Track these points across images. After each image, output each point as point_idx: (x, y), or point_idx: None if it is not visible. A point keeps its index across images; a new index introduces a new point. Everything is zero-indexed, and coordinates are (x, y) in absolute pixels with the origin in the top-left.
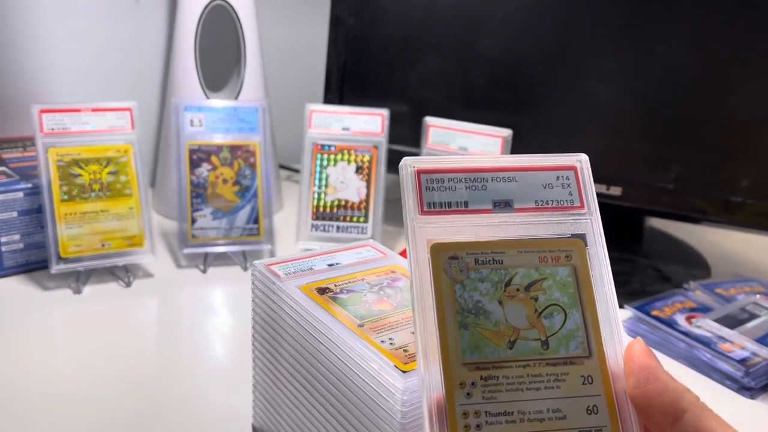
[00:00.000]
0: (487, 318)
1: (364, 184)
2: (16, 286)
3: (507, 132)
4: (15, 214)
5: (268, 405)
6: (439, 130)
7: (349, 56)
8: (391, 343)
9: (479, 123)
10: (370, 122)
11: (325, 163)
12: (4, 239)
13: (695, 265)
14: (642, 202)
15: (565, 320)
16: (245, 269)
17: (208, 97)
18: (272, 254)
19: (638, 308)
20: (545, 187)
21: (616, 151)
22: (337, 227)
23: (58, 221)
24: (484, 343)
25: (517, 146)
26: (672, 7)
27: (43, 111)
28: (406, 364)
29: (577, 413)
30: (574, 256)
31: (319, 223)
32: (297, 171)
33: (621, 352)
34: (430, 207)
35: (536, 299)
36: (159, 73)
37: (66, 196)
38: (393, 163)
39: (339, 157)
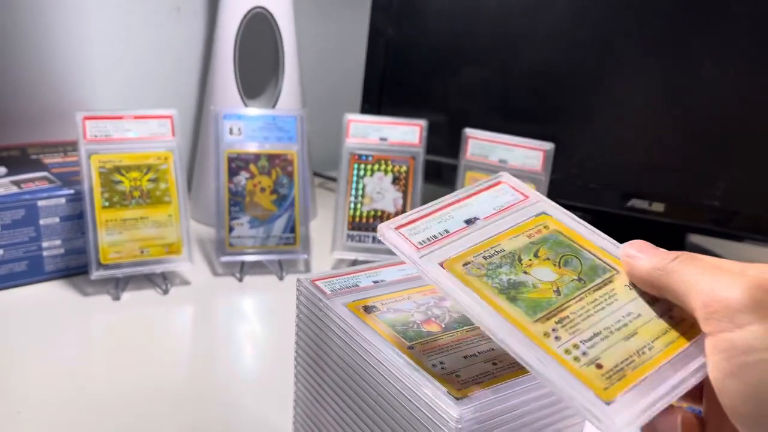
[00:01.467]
0: (525, 285)
1: (400, 195)
2: (56, 291)
3: (549, 145)
4: (57, 219)
5: (310, 421)
6: (479, 142)
7: (388, 66)
8: (442, 368)
9: (519, 135)
10: (408, 133)
11: (362, 173)
12: (45, 244)
13: None
14: (686, 219)
15: (580, 261)
16: (281, 278)
17: (246, 105)
18: (308, 264)
19: None
20: (493, 200)
21: (659, 167)
22: (373, 238)
23: (99, 228)
24: (536, 302)
25: (557, 160)
26: (720, 21)
27: (86, 118)
28: (459, 390)
29: (644, 309)
30: (549, 225)
31: (355, 233)
32: (331, 179)
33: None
34: (421, 244)
35: (549, 259)
36: (197, 80)
37: (107, 203)
38: (430, 174)
39: (376, 167)
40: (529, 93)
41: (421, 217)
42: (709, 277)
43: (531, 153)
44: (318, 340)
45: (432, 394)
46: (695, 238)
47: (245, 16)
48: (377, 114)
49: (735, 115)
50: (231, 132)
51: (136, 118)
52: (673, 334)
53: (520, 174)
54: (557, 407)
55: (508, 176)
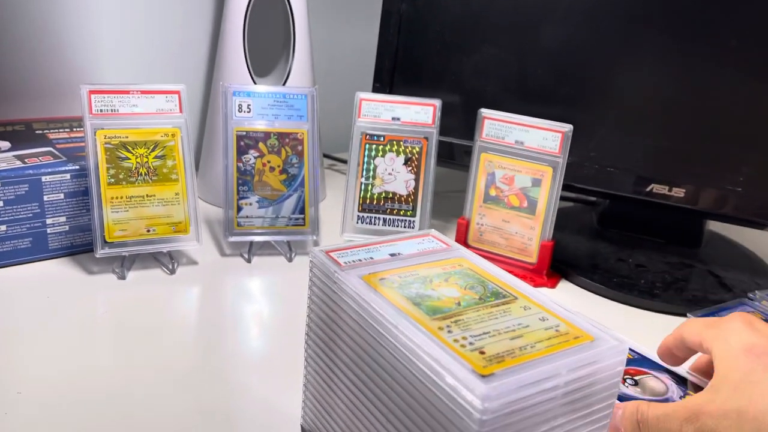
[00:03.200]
0: (431, 297)
1: (412, 176)
2: (60, 269)
3: (568, 127)
4: (62, 195)
5: (320, 405)
6: (495, 122)
7: (401, 44)
8: (467, 342)
9: (535, 117)
10: (421, 113)
11: (373, 153)
12: (50, 221)
13: (759, 273)
14: (707, 205)
15: (485, 288)
16: (290, 260)
17: (255, 83)
18: (317, 245)
19: (704, 317)
20: (418, 245)
21: (680, 151)
22: (384, 220)
23: (104, 205)
24: (437, 308)
25: (576, 142)
26: (745, 2)
27: (92, 92)
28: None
29: (534, 323)
30: (464, 264)
31: (366, 215)
32: (340, 160)
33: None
34: (347, 264)
35: (457, 284)
36: (205, 56)
37: (113, 180)
38: (443, 155)
39: (388, 147)
40: (546, 73)
41: (352, 248)
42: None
43: (549, 134)
44: (332, 313)
45: (456, 370)
46: (713, 225)
47: None
48: (389, 93)
49: (758, 98)
50: (240, 109)
51: (143, 93)
52: (556, 340)
53: (537, 156)
54: (587, 381)
55: (435, 231)
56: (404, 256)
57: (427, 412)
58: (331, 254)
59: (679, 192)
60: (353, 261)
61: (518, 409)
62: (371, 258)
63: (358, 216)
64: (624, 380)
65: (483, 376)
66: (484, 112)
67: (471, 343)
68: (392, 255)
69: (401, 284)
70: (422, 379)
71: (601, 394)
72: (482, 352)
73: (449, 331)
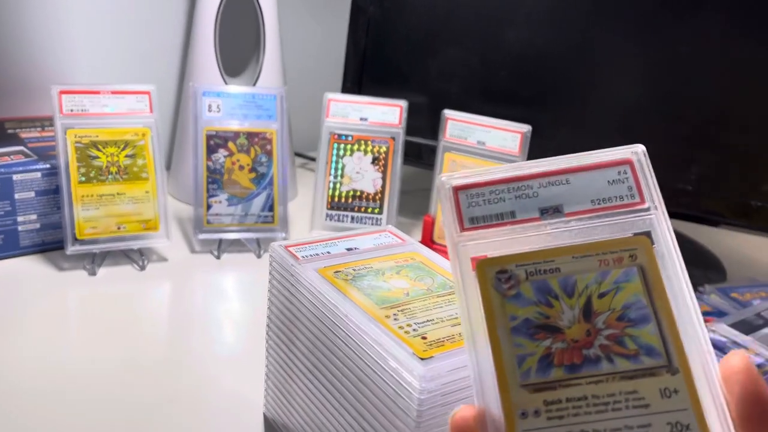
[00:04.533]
0: (381, 288)
1: (380, 175)
2: (31, 266)
3: (526, 128)
4: (32, 194)
5: (280, 393)
6: (457, 123)
7: (369, 45)
8: (411, 329)
9: (499, 118)
10: (388, 113)
11: (341, 152)
12: (21, 219)
13: (711, 268)
14: None
15: (434, 280)
16: (259, 256)
17: (226, 83)
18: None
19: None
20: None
21: None
22: (352, 218)
23: (74, 203)
24: (386, 298)
25: (535, 143)
26: (699, 5)
27: (63, 92)
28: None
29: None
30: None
31: (334, 213)
32: (312, 159)
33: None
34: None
35: (408, 276)
36: (178, 56)
37: (83, 178)
38: (408, 154)
39: (356, 147)
40: (510, 75)
41: (310, 243)
42: None
43: (508, 135)
44: (290, 305)
45: (398, 354)
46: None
47: None
48: (358, 94)
49: (708, 100)
50: (210, 109)
51: (113, 93)
52: None
53: (498, 156)
54: None
55: (392, 227)
56: (361, 250)
57: (373, 395)
58: (290, 248)
59: None
60: (311, 255)
61: (455, 389)
62: (328, 252)
63: (326, 214)
64: None
65: (422, 359)
66: (448, 113)
67: (415, 330)
68: (349, 249)
69: (355, 276)
70: (369, 364)
71: None
72: (424, 338)
73: (395, 319)
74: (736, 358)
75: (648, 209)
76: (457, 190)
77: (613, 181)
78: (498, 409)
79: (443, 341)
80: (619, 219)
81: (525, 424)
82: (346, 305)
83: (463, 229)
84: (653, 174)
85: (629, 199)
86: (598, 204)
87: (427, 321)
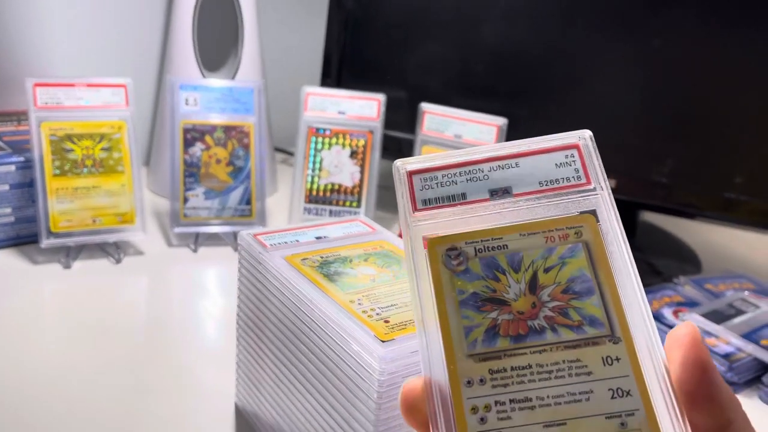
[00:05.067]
0: (348, 275)
1: (358, 169)
2: (5, 260)
3: (502, 121)
4: (7, 187)
5: (250, 381)
6: (434, 116)
7: (348, 39)
8: (374, 313)
9: (477, 111)
10: (366, 107)
11: (319, 146)
12: None
13: (687, 260)
14: (637, 196)
15: (400, 266)
16: (236, 250)
17: (204, 77)
18: None
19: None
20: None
21: (612, 144)
22: (330, 211)
23: (49, 196)
24: (351, 284)
25: (513, 136)
26: (674, 1)
27: (37, 84)
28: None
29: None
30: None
31: (312, 206)
32: (293, 154)
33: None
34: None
35: (375, 263)
36: (157, 50)
37: (58, 171)
38: (388, 149)
39: (334, 141)
40: (487, 69)
41: (279, 231)
42: None
43: (485, 128)
44: (258, 293)
45: (360, 337)
46: (647, 216)
47: None
48: (337, 87)
49: (683, 93)
50: (187, 102)
51: (89, 86)
52: None
53: None
54: None
55: (363, 216)
56: (330, 239)
57: (337, 378)
58: (259, 237)
59: (610, 182)
60: (279, 243)
61: (417, 371)
62: (297, 240)
63: (304, 207)
64: None
65: (383, 342)
66: (425, 106)
67: (378, 314)
68: (318, 238)
69: (322, 263)
70: (332, 348)
71: None
72: (387, 321)
73: (359, 304)
74: (681, 327)
75: (594, 189)
76: (411, 174)
77: (561, 164)
78: (445, 379)
79: (406, 324)
80: (565, 199)
81: (470, 392)
82: (311, 291)
83: (415, 209)
84: (599, 157)
85: (576, 181)
86: (546, 185)
87: (391, 305)
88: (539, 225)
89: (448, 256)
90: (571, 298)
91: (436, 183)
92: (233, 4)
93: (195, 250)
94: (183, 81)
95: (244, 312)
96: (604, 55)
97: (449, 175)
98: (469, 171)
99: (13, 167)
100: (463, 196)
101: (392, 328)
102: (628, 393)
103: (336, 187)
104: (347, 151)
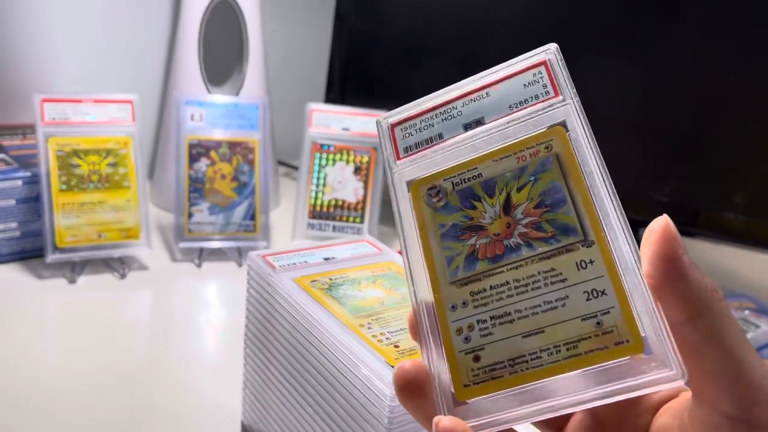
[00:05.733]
0: (356, 298)
1: (361, 185)
2: (11, 274)
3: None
4: (13, 201)
5: (257, 401)
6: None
7: (352, 56)
8: (384, 338)
9: None
10: (369, 123)
11: (323, 162)
12: (1, 226)
13: None
14: (636, 214)
15: (408, 289)
16: (240, 265)
17: (209, 92)
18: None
19: None
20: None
21: (611, 163)
22: (333, 227)
23: (55, 211)
24: (360, 307)
25: None
26: (674, 21)
27: (45, 100)
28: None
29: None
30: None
31: (316, 221)
32: (295, 168)
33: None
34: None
35: (384, 286)
36: (161, 65)
37: (64, 186)
38: None
39: (338, 157)
40: None
41: (288, 252)
42: (745, 348)
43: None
44: (267, 314)
45: (371, 362)
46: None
47: (210, 3)
48: (341, 104)
49: (682, 113)
50: (192, 118)
51: (95, 101)
52: None
53: None
54: None
55: (370, 237)
56: (338, 260)
57: (347, 402)
58: (268, 258)
59: None
60: (288, 264)
61: None
62: (305, 262)
63: (308, 223)
64: None
65: (393, 367)
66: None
67: (387, 338)
68: (326, 259)
69: (331, 286)
70: (342, 372)
71: None
72: (396, 347)
73: (369, 328)
74: (655, 221)
75: (563, 100)
76: (393, 126)
77: (529, 83)
78: (432, 308)
79: (415, 349)
80: (536, 116)
81: (454, 316)
82: (321, 314)
83: (398, 158)
84: (566, 69)
85: (544, 96)
86: (516, 107)
87: (400, 330)
88: (510, 148)
89: (429, 194)
90: (544, 211)
91: (416, 129)
92: (238, 20)
93: (199, 266)
94: (189, 97)
95: (252, 332)
96: (605, 75)
97: (426, 119)
98: (444, 111)
99: (19, 182)
100: (440, 136)
101: (402, 353)
102: (602, 292)
103: (339, 202)
104: (351, 167)
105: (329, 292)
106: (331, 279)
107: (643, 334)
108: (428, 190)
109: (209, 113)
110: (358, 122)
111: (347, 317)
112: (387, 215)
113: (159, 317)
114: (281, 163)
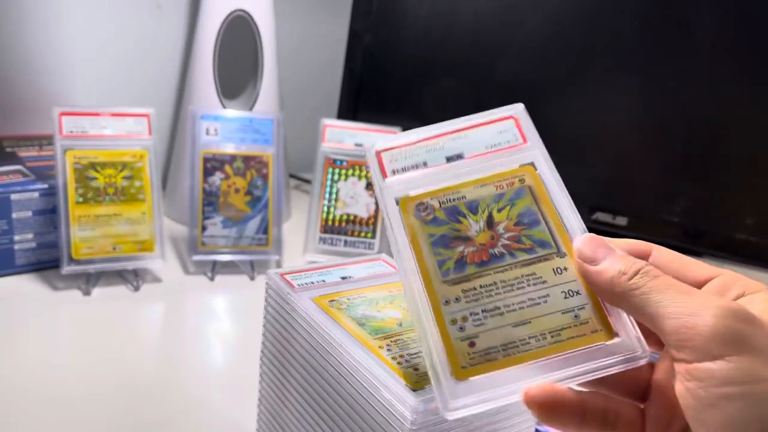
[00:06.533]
0: (375, 318)
1: (373, 200)
2: (26, 285)
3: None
4: (30, 213)
5: (273, 419)
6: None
7: (366, 72)
8: (403, 360)
9: None
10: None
11: (336, 177)
12: (17, 237)
13: None
14: (647, 233)
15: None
16: (252, 279)
17: (224, 106)
18: (279, 265)
19: None
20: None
21: (623, 182)
22: (345, 242)
23: (71, 223)
24: (379, 328)
25: None
26: (686, 44)
27: (63, 114)
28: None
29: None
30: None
31: (327, 236)
32: (306, 181)
33: None
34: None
35: (401, 306)
36: (175, 78)
37: (81, 199)
38: None
39: (350, 172)
40: (501, 104)
41: (305, 271)
42: (678, 301)
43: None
44: (284, 332)
45: (391, 385)
46: None
47: (226, 18)
48: (354, 119)
49: (696, 133)
50: (207, 132)
51: (113, 115)
52: None
53: None
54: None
55: (385, 256)
56: (354, 279)
57: (366, 424)
58: (286, 276)
59: (621, 220)
60: (306, 283)
61: (446, 420)
62: (323, 281)
63: (320, 237)
64: None
65: (414, 391)
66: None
67: (407, 361)
68: (343, 278)
69: (349, 306)
70: (362, 393)
71: None
72: (416, 369)
73: (388, 350)
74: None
75: (531, 146)
76: (379, 152)
77: (502, 131)
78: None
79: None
80: (509, 156)
81: (448, 309)
82: (340, 335)
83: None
84: (532, 122)
85: (515, 142)
86: (492, 148)
87: (418, 353)
88: (490, 178)
89: (418, 209)
90: (522, 228)
91: (402, 156)
92: (253, 35)
93: (212, 279)
94: (204, 111)
95: (269, 349)
96: (617, 95)
97: (412, 149)
98: (428, 144)
99: (36, 194)
100: (425, 163)
101: (421, 377)
102: (577, 293)
103: (351, 217)
104: (363, 182)
105: (348, 312)
106: (349, 299)
107: (612, 324)
108: (417, 206)
109: (224, 127)
110: (371, 138)
111: (366, 338)
112: None
113: (172, 330)
114: (292, 176)
